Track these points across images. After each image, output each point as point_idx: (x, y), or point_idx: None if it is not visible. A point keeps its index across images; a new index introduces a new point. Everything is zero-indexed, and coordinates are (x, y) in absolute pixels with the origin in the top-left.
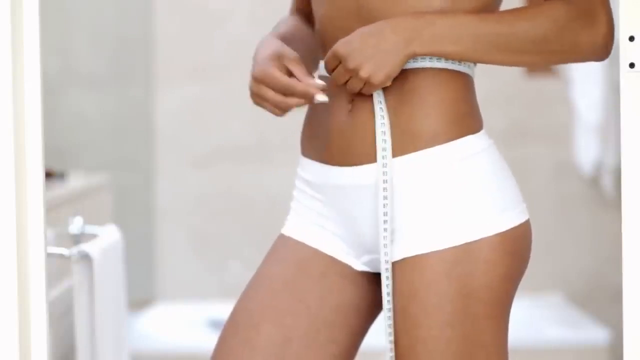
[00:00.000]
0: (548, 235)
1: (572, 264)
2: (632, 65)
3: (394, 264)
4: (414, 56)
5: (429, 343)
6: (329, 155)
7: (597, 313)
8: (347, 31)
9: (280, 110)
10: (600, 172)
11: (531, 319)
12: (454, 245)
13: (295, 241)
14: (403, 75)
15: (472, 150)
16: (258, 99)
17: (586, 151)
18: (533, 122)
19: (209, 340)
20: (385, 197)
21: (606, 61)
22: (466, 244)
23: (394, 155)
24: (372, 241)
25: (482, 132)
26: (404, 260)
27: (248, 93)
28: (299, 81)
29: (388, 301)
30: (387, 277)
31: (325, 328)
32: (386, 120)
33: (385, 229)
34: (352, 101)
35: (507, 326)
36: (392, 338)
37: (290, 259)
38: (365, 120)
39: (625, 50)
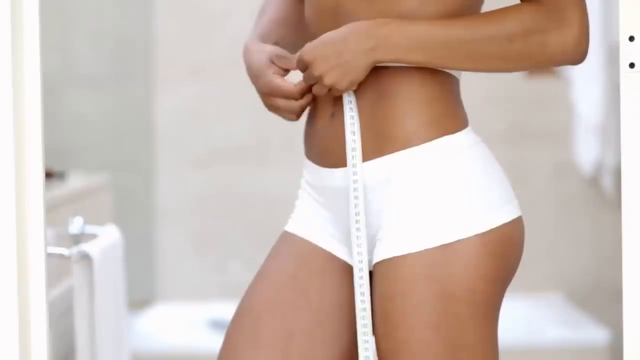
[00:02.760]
0: (548, 235)
1: (572, 264)
2: (632, 65)
3: (374, 265)
4: (378, 63)
5: (411, 345)
6: (321, 157)
7: (597, 313)
8: (326, 31)
9: (296, 114)
10: (600, 172)
11: (531, 319)
12: (431, 246)
13: (298, 237)
14: (378, 76)
15: (450, 151)
16: (273, 109)
17: (586, 151)
18: (533, 122)
19: (209, 340)
20: (356, 197)
21: (606, 61)
22: (444, 245)
23: (371, 157)
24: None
25: (463, 131)
26: (383, 262)
27: (248, 93)
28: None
29: (362, 301)
30: (361, 277)
31: (329, 323)
32: (356, 121)
33: (358, 229)
34: (334, 104)
35: (494, 327)
36: (366, 338)
37: (292, 253)
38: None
39: (625, 50)
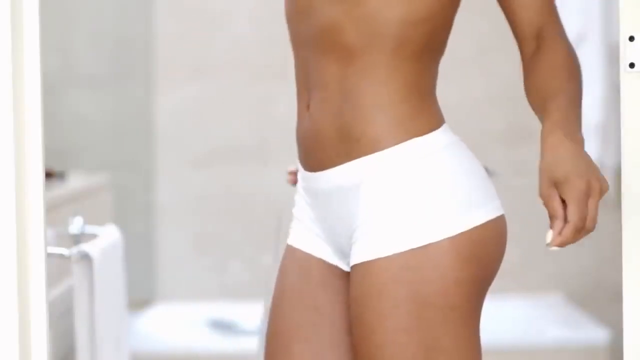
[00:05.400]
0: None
1: (572, 264)
2: (632, 65)
3: (351, 268)
4: None
5: (386, 348)
6: (305, 161)
7: (597, 313)
8: (301, 28)
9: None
10: (600, 172)
11: (531, 319)
12: (401, 250)
13: (297, 249)
14: (343, 75)
15: (420, 154)
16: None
17: (586, 151)
18: (533, 122)
19: (209, 340)
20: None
21: (606, 61)
22: (414, 249)
23: (342, 161)
24: (345, 243)
25: (434, 132)
26: (357, 265)
27: (248, 93)
28: None
29: None
30: None
31: (345, 333)
32: None
33: None
34: (308, 108)
35: (472, 329)
36: None
37: (296, 270)
38: (321, 126)
39: (625, 50)
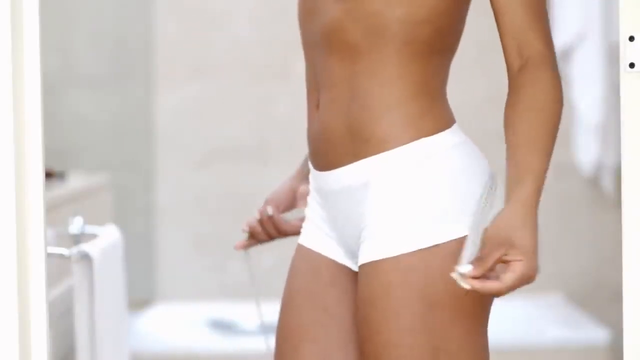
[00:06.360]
0: (548, 235)
1: (572, 264)
2: (632, 65)
3: (359, 267)
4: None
5: (392, 349)
6: (315, 161)
7: (597, 313)
8: (308, 28)
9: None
10: (600, 172)
11: (531, 319)
12: (408, 251)
13: (307, 249)
14: (351, 74)
15: (428, 154)
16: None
17: (586, 151)
18: None
19: (209, 340)
20: None
21: (606, 61)
22: (421, 250)
23: (350, 160)
24: (354, 243)
25: (443, 132)
26: (364, 265)
27: (248, 93)
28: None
29: None
30: None
31: (354, 334)
32: None
33: None
34: (318, 108)
35: (479, 330)
36: None
37: (305, 269)
38: (330, 126)
39: (625, 50)
